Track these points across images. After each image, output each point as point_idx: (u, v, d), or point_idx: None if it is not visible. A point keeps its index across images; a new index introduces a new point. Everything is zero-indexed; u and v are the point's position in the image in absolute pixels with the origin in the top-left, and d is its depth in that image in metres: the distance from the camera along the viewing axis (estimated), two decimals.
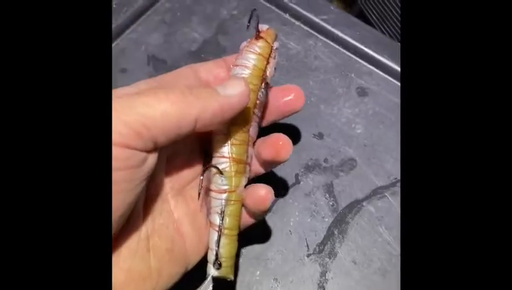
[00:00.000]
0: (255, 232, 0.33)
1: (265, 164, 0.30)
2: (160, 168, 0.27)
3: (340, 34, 0.43)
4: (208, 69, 0.29)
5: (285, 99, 0.30)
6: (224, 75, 0.30)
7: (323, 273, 0.33)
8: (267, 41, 0.29)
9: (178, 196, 0.28)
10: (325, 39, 0.44)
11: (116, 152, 0.20)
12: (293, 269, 0.33)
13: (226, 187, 0.27)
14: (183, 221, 0.27)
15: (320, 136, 0.39)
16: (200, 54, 0.42)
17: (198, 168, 0.30)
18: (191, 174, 0.29)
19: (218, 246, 0.27)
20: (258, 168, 0.30)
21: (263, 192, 0.27)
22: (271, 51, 0.29)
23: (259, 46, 0.29)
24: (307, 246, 0.34)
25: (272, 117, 0.31)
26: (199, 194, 0.27)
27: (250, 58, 0.28)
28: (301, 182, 0.37)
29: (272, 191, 0.27)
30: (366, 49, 0.43)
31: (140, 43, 0.42)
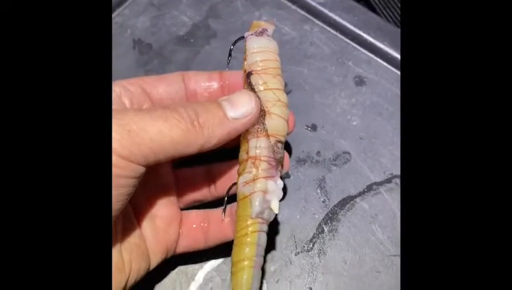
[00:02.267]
0: None
1: None
2: None
3: (338, 19, 0.41)
4: (200, 80, 0.29)
5: None
6: (215, 88, 0.29)
7: (311, 273, 0.31)
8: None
9: (140, 198, 0.28)
10: (321, 24, 0.41)
11: (122, 163, 0.22)
12: (280, 268, 0.31)
13: None
14: (144, 223, 0.28)
15: (313, 127, 0.37)
16: (189, 39, 0.40)
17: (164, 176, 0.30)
18: (153, 178, 0.29)
19: None
20: None
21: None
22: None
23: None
24: (295, 244, 0.32)
25: None
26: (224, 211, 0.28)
27: None
28: (291, 176, 0.35)
29: None
30: (365, 36, 0.40)
31: (126, 27, 0.40)
